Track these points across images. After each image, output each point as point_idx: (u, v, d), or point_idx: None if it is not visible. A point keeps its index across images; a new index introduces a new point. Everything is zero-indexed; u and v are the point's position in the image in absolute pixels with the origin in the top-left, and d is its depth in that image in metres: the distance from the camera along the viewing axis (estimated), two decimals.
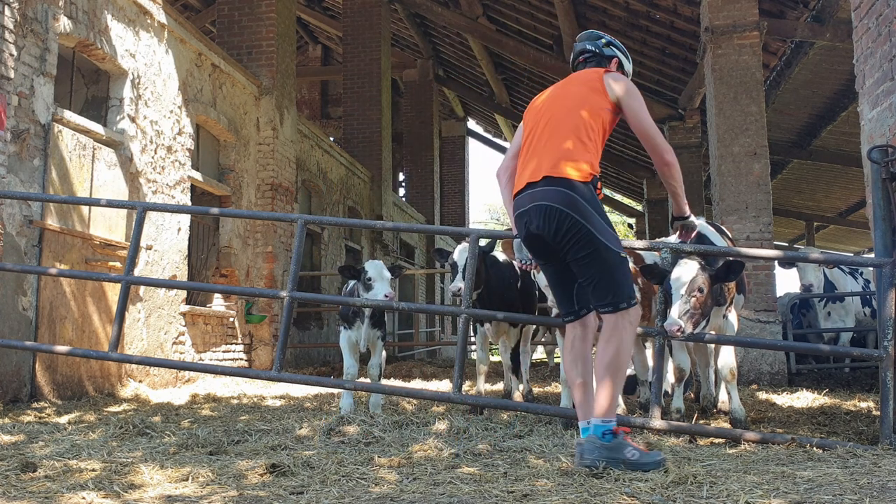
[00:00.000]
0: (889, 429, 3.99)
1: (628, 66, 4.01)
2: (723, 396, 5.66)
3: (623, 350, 3.40)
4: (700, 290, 4.28)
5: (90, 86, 7.85)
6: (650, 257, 5.53)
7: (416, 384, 8.98)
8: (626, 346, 3.41)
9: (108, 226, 7.23)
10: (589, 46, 3.93)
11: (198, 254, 9.63)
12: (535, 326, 7.41)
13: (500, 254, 6.39)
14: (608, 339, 3.43)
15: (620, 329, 3.42)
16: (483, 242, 5.74)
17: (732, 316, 5.20)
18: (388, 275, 5.44)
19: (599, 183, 3.61)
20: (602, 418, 3.34)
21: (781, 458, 3.70)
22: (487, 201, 65.02)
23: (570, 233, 3.42)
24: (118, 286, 6.28)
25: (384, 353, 6.02)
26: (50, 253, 6.49)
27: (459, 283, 5.54)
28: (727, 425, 4.90)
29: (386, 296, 5.26)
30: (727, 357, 5.10)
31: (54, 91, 6.56)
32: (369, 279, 5.39)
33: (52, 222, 6.46)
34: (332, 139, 17.74)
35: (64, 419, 5.19)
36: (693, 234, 4.19)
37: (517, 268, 4.75)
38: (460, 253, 5.77)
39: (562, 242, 3.45)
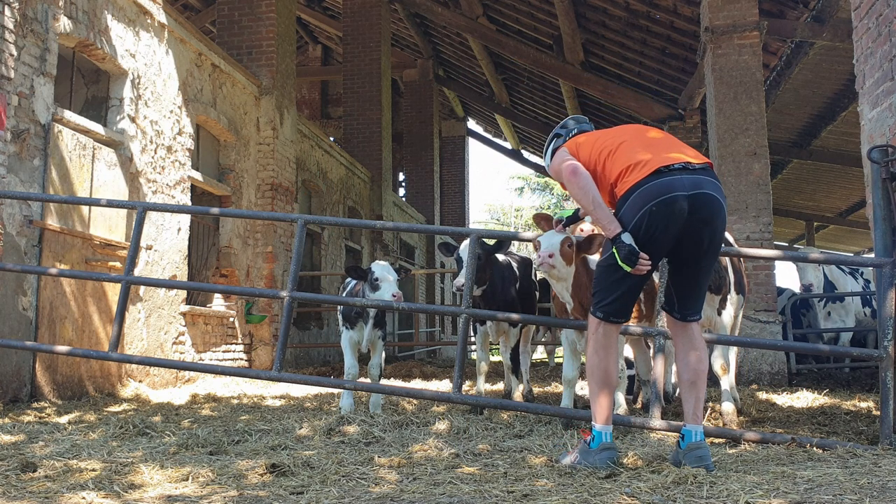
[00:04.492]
0: (889, 429, 3.99)
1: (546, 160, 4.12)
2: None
3: None
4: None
5: (90, 86, 7.85)
6: None
7: (416, 384, 8.98)
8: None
9: (108, 226, 7.23)
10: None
11: (198, 254, 9.63)
12: (535, 326, 7.41)
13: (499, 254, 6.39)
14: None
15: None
16: (490, 243, 5.78)
17: (726, 314, 5.20)
18: (394, 276, 5.47)
19: None
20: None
21: (781, 458, 3.70)
22: (487, 201, 65.06)
23: (721, 235, 3.51)
24: (118, 286, 6.28)
25: (384, 353, 6.03)
26: (50, 253, 6.49)
27: (463, 279, 5.54)
28: (734, 422, 4.90)
29: (393, 296, 5.28)
30: (716, 352, 5.13)
31: (54, 91, 6.56)
32: (376, 279, 5.42)
33: (52, 222, 6.46)
34: (332, 139, 17.74)
35: (64, 419, 5.19)
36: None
37: (536, 263, 4.70)
38: (466, 248, 5.77)
39: (713, 243, 3.46)
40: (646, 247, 3.37)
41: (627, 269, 3.35)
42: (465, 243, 5.84)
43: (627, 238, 3.34)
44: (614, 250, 3.36)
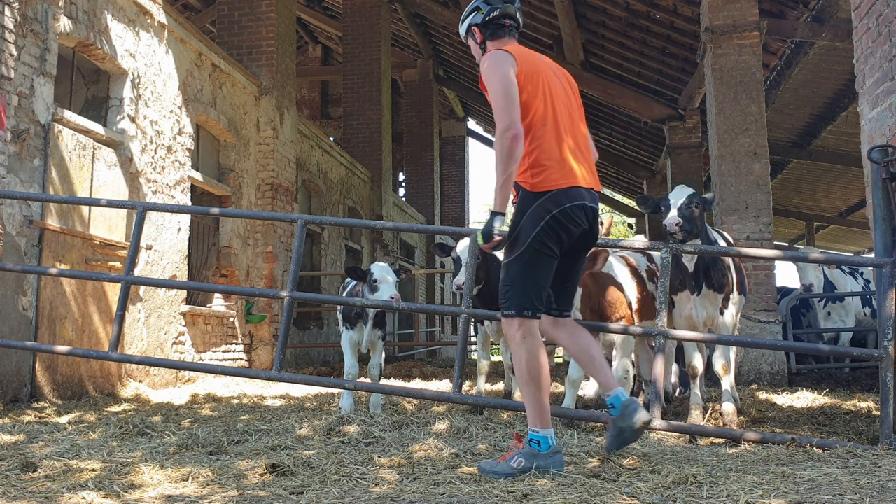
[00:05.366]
0: (889, 429, 3.99)
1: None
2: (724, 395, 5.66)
3: None
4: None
5: (90, 86, 7.85)
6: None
7: (416, 384, 8.98)
8: None
9: (108, 226, 7.23)
10: (519, 17, 3.70)
11: (198, 254, 9.63)
12: None
13: (499, 253, 6.38)
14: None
15: None
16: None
17: (728, 314, 5.20)
18: (393, 277, 5.47)
19: None
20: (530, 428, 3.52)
21: (781, 458, 3.70)
22: (487, 201, 65.04)
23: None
24: (118, 286, 6.28)
25: (384, 353, 6.03)
26: (50, 253, 6.49)
27: (463, 278, 5.55)
28: (734, 422, 4.90)
29: (391, 297, 5.28)
30: (717, 352, 5.13)
31: (54, 91, 6.56)
32: (375, 281, 5.42)
33: (52, 222, 6.46)
34: (332, 139, 17.74)
35: (64, 419, 5.19)
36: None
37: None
38: (464, 248, 5.77)
39: (589, 243, 3.63)
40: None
41: (481, 242, 3.44)
42: (463, 243, 5.84)
43: (499, 221, 3.39)
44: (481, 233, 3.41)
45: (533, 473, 3.23)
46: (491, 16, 3.64)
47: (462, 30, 3.79)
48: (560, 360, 12.53)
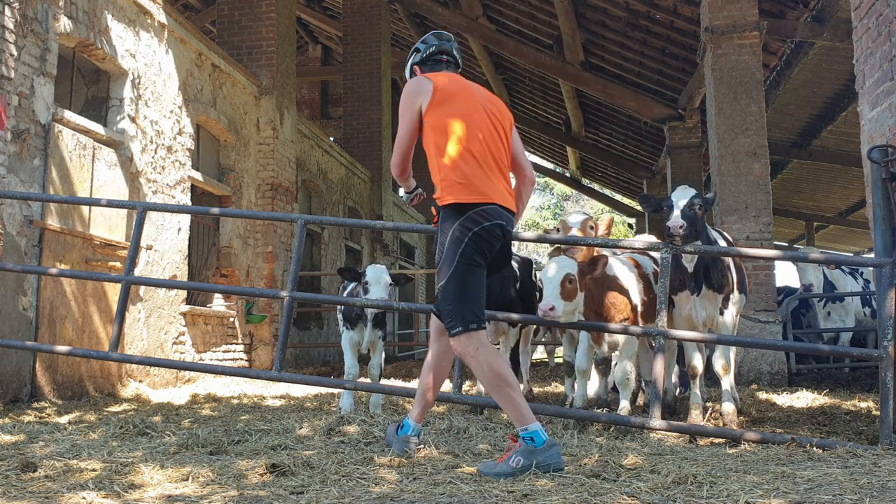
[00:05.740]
0: (889, 429, 3.99)
1: None
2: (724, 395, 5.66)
3: None
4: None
5: (90, 86, 7.86)
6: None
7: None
8: None
9: (108, 226, 7.23)
10: (455, 53, 3.96)
11: (198, 254, 9.63)
12: (534, 326, 7.41)
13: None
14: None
15: None
16: None
17: (728, 314, 5.19)
18: (386, 280, 5.44)
19: None
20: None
21: (781, 458, 3.70)
22: None
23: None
24: (118, 286, 6.28)
25: (384, 353, 6.03)
26: (50, 253, 6.50)
27: None
28: (734, 422, 4.90)
29: (379, 299, 5.30)
30: (717, 352, 5.12)
31: (54, 91, 6.56)
32: (366, 283, 5.40)
33: (52, 222, 6.46)
34: (332, 139, 17.74)
35: (64, 419, 5.19)
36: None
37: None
38: None
39: (505, 261, 3.81)
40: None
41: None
42: None
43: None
44: None
45: (533, 471, 3.23)
46: (427, 52, 3.92)
47: (406, 72, 4.03)
48: (560, 360, 12.53)
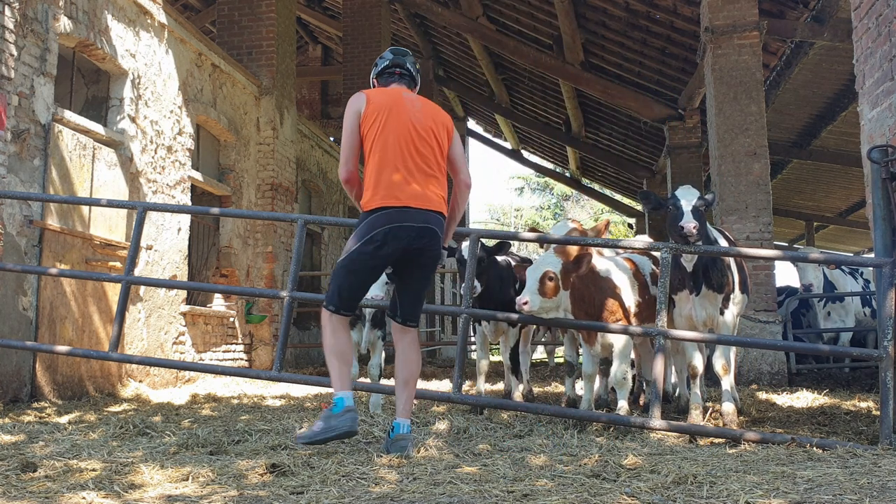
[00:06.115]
0: (889, 429, 3.99)
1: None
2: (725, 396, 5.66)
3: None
4: None
5: (90, 86, 7.86)
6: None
7: (416, 384, 8.96)
8: None
9: (108, 226, 7.24)
10: (409, 66, 4.24)
11: (198, 254, 9.63)
12: (534, 326, 7.41)
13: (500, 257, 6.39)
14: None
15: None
16: (489, 244, 5.78)
17: (729, 314, 5.19)
18: (383, 280, 5.44)
19: None
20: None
21: (781, 458, 3.70)
22: (487, 201, 65.06)
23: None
24: (118, 286, 6.28)
25: (384, 353, 6.03)
26: (50, 253, 6.50)
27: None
28: (734, 422, 4.89)
29: (373, 297, 5.30)
30: (717, 352, 5.12)
31: (54, 91, 6.56)
32: None
33: (52, 222, 6.46)
34: (332, 139, 17.73)
35: (64, 419, 5.19)
36: None
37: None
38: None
39: (429, 259, 3.98)
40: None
41: None
42: (465, 245, 5.85)
43: None
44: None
45: (327, 432, 3.68)
46: (383, 66, 4.25)
47: (370, 85, 4.38)
48: (560, 360, 12.54)
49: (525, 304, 4.69)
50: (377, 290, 5.38)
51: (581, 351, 5.43)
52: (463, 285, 5.64)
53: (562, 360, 9.81)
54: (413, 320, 4.09)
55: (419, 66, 4.35)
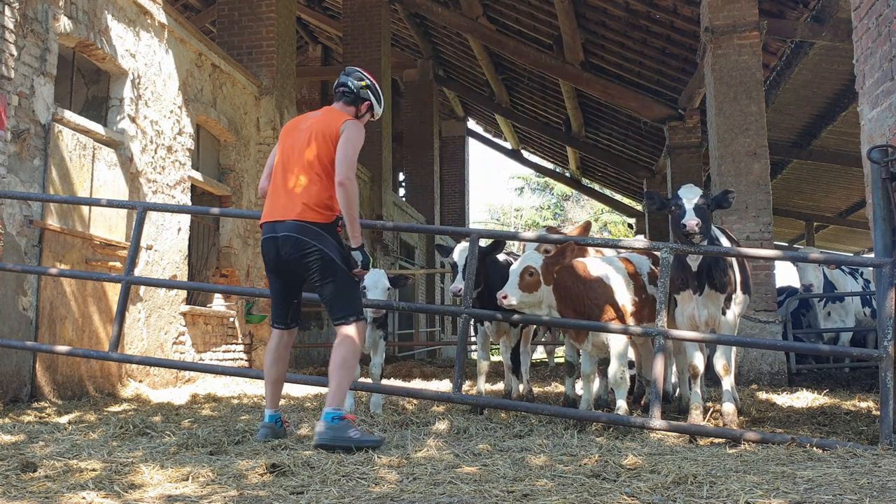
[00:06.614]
0: (889, 429, 3.99)
1: (378, 110, 4.65)
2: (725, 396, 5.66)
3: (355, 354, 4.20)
4: None
5: (90, 86, 7.86)
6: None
7: (416, 384, 8.98)
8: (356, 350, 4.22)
9: (108, 226, 7.24)
10: (349, 84, 4.50)
11: (198, 254, 9.63)
12: (535, 327, 7.41)
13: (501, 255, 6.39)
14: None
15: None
16: (483, 243, 5.76)
17: (731, 314, 5.19)
18: (384, 284, 5.45)
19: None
20: (333, 407, 4.01)
21: (781, 458, 3.70)
22: (487, 201, 65.05)
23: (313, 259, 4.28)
24: (118, 286, 6.27)
25: (384, 353, 6.03)
26: (50, 253, 6.49)
27: (460, 284, 5.57)
28: (734, 422, 4.89)
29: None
30: (718, 353, 5.12)
31: (54, 91, 6.56)
32: (363, 287, 5.40)
33: (52, 222, 6.46)
34: None
35: (64, 419, 5.19)
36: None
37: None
38: (460, 253, 5.79)
39: (309, 262, 4.22)
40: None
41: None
42: (458, 248, 5.86)
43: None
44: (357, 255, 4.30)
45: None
46: (335, 85, 4.63)
47: (365, 90, 4.63)
48: (560, 360, 12.54)
49: (504, 298, 4.80)
50: (379, 297, 5.39)
51: (581, 351, 5.43)
52: (452, 285, 5.66)
53: (562, 360, 9.81)
54: (337, 320, 4.23)
55: (367, 83, 4.53)
